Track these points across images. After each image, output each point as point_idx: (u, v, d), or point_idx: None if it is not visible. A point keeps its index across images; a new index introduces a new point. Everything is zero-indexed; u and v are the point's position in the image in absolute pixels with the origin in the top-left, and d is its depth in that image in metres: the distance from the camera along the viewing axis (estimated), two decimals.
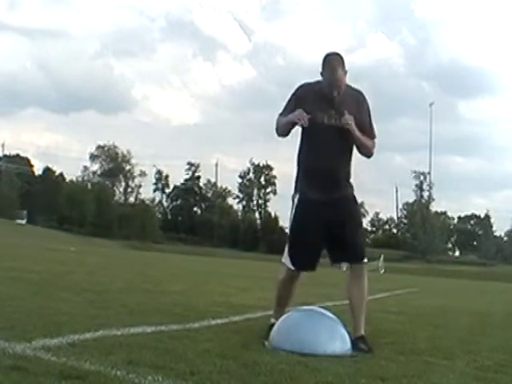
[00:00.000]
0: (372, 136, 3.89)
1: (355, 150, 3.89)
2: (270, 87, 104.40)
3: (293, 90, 3.87)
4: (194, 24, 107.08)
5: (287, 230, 4.01)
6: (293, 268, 3.84)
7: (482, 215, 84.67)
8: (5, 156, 71.41)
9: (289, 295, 3.98)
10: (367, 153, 3.90)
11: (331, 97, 3.70)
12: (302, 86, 3.85)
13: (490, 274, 48.26)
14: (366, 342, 3.66)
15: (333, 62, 3.70)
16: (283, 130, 3.88)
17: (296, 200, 3.86)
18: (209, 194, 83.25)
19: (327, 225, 3.74)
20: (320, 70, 3.73)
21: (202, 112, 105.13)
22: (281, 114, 3.88)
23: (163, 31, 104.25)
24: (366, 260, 3.87)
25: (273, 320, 3.87)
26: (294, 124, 3.80)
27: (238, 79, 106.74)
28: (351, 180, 3.92)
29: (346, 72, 3.74)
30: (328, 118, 3.73)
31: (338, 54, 3.77)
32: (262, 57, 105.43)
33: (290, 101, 3.85)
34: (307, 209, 3.79)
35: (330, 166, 3.75)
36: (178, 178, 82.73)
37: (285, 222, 68.45)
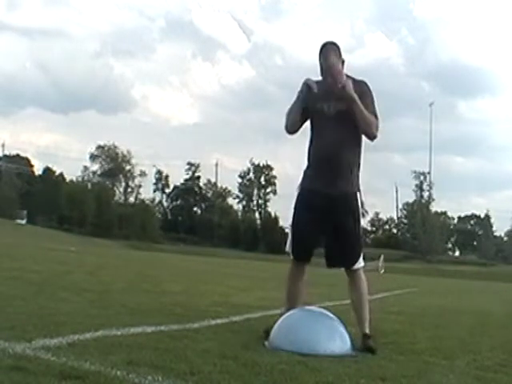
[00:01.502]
0: (375, 116, 3.82)
1: (363, 142, 3.87)
2: (270, 87, 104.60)
3: (300, 87, 3.88)
4: (193, 24, 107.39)
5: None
6: (291, 257, 3.89)
7: (482, 215, 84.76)
8: (5, 156, 71.41)
9: (296, 290, 3.94)
10: (368, 129, 3.77)
11: (331, 86, 3.70)
12: (307, 80, 3.85)
13: (490, 274, 48.24)
14: (370, 340, 3.70)
15: (326, 49, 3.73)
16: (293, 121, 3.86)
17: (298, 189, 3.90)
18: (209, 194, 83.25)
19: (323, 221, 3.75)
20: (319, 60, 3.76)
21: (202, 112, 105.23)
22: (292, 106, 3.89)
23: (163, 31, 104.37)
24: (359, 265, 3.82)
25: (282, 309, 3.92)
26: (303, 114, 3.82)
27: (237, 79, 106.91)
28: (358, 172, 3.87)
29: (342, 61, 3.75)
30: (329, 106, 3.74)
31: (332, 43, 3.79)
32: (261, 57, 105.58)
33: (299, 92, 3.86)
34: (307, 199, 3.83)
35: (333, 153, 3.73)
36: (178, 178, 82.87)
37: (285, 222, 68.50)
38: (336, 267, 3.89)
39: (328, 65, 3.69)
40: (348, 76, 3.78)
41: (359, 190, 3.86)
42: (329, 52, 3.72)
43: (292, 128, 3.90)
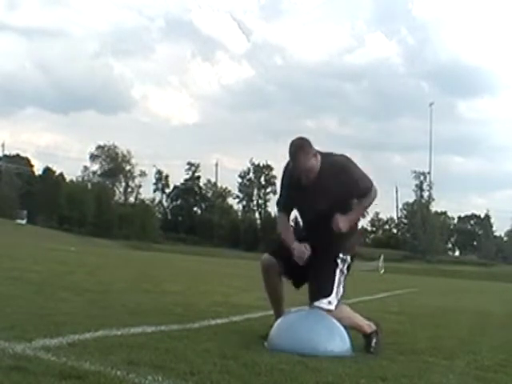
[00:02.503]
0: (369, 188, 3.72)
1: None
2: (269, 87, 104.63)
3: (281, 174, 3.88)
4: (192, 24, 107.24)
5: None
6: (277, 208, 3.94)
7: (482, 215, 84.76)
8: (5, 156, 71.40)
9: (275, 290, 3.90)
10: (367, 208, 3.87)
11: (304, 183, 3.64)
12: (285, 172, 3.83)
13: (489, 274, 48.29)
14: (370, 342, 3.75)
15: (292, 150, 3.59)
16: (283, 225, 3.89)
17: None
18: (209, 194, 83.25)
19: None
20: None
21: (202, 112, 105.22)
22: (278, 203, 3.94)
23: (162, 31, 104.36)
24: (323, 305, 3.61)
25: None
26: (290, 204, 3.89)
27: (236, 79, 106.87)
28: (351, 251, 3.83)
29: (314, 154, 3.59)
30: (310, 211, 3.76)
31: (299, 139, 3.64)
32: (260, 56, 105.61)
33: (282, 187, 3.88)
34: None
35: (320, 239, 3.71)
36: (178, 178, 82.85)
37: None
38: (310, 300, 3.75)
39: (299, 168, 3.60)
40: (324, 156, 3.64)
41: (346, 252, 3.78)
42: (296, 152, 3.57)
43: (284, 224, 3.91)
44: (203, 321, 4.37)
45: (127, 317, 4.21)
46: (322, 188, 3.61)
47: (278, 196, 3.99)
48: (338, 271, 3.71)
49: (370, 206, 3.81)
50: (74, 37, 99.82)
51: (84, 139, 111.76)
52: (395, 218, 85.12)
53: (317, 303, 3.62)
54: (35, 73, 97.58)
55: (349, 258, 3.78)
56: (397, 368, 3.20)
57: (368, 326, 3.82)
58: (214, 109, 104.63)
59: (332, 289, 3.66)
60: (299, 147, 3.59)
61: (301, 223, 3.96)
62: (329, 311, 3.59)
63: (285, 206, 3.90)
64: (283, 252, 3.74)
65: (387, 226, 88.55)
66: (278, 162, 77.74)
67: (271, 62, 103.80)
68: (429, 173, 76.54)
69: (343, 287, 3.74)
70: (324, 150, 3.73)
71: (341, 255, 3.74)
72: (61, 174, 71.17)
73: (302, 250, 3.63)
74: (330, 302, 3.62)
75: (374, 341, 3.76)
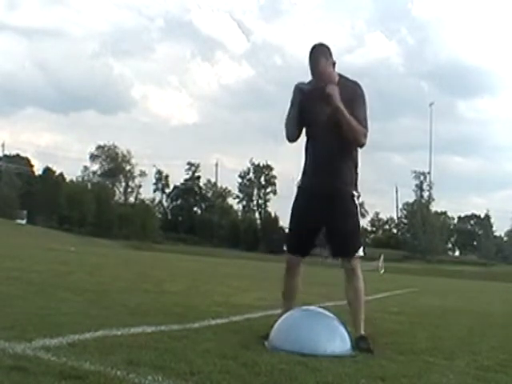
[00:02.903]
0: (363, 124, 3.73)
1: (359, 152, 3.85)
2: (269, 87, 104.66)
3: (292, 93, 3.84)
4: (192, 24, 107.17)
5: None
6: (285, 249, 3.91)
7: (482, 215, 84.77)
8: (5, 156, 71.41)
9: (291, 287, 3.94)
10: (355, 137, 3.71)
11: (322, 90, 3.64)
12: (296, 88, 3.82)
13: (489, 274, 48.27)
14: (366, 341, 3.67)
15: (315, 53, 3.65)
16: (292, 130, 3.85)
17: (296, 186, 3.94)
18: (209, 194, 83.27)
19: (321, 217, 3.76)
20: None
21: (201, 112, 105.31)
22: (288, 115, 3.87)
23: (162, 31, 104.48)
24: (358, 254, 3.80)
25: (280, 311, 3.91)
26: (300, 122, 3.80)
27: (236, 79, 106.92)
28: (356, 172, 3.86)
29: (333, 62, 3.68)
30: (321, 111, 3.71)
31: (322, 45, 3.71)
32: (260, 56, 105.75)
33: (292, 99, 3.83)
34: (302, 198, 3.85)
35: (327, 159, 3.74)
36: (178, 178, 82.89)
37: (285, 222, 68.42)
38: (338, 256, 3.88)
39: (319, 70, 3.64)
40: (341, 76, 3.74)
41: (356, 189, 3.85)
42: (318, 56, 3.65)
43: (292, 137, 3.90)
44: (203, 321, 4.37)
45: (127, 317, 4.21)
46: (340, 96, 3.61)
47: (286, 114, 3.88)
48: (359, 216, 3.83)
49: (356, 134, 3.69)
50: (74, 37, 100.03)
51: (84, 139, 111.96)
52: (395, 218, 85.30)
53: (355, 255, 3.75)
54: (35, 73, 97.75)
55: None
56: (396, 368, 3.19)
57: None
58: (214, 109, 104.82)
59: (359, 237, 3.84)
60: (322, 52, 3.63)
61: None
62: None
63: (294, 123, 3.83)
64: (303, 246, 3.85)
65: (387, 226, 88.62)
66: (278, 162, 77.95)
67: (271, 61, 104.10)
68: (429, 173, 76.69)
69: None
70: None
71: (355, 193, 3.80)
72: (61, 174, 71.23)
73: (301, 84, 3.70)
74: (363, 249, 3.80)
75: (372, 345, 3.68)
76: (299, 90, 3.78)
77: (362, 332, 3.74)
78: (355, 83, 3.81)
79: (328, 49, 3.70)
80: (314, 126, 3.79)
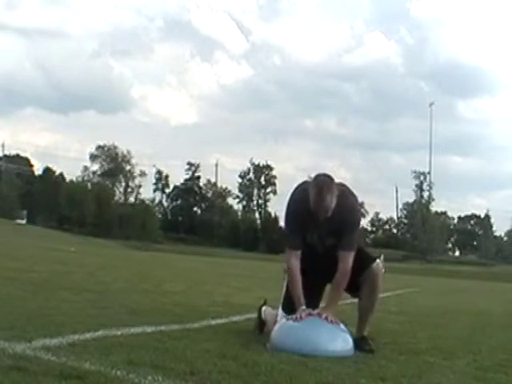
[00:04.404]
0: (349, 249, 3.69)
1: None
2: (268, 87, 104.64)
3: (290, 207, 3.76)
4: (191, 24, 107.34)
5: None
6: (287, 246, 3.85)
7: (482, 215, 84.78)
8: (5, 156, 71.39)
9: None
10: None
11: (316, 218, 3.59)
12: (295, 204, 3.73)
13: (490, 274, 48.24)
14: (367, 342, 3.68)
15: (322, 188, 3.51)
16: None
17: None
18: (209, 194, 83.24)
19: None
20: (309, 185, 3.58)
21: (201, 112, 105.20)
22: (288, 239, 3.82)
23: (161, 31, 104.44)
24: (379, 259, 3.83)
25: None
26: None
27: (235, 79, 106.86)
28: None
29: (336, 195, 3.55)
30: (312, 238, 3.71)
31: (329, 178, 3.59)
32: (259, 56, 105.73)
33: (291, 221, 3.78)
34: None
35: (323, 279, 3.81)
36: (177, 178, 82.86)
37: None
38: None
39: (323, 206, 3.51)
40: (340, 199, 3.60)
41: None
42: (325, 192, 3.50)
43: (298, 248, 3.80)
44: (203, 321, 4.37)
45: (127, 317, 4.21)
46: (333, 224, 3.59)
47: (285, 232, 3.85)
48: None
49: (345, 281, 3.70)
50: (73, 37, 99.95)
51: (84, 139, 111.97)
52: (395, 218, 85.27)
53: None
54: (35, 73, 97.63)
55: None
56: (396, 368, 3.19)
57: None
58: (214, 109, 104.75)
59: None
60: (328, 188, 3.51)
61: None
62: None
63: (295, 243, 3.75)
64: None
65: (387, 226, 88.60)
66: (278, 162, 77.94)
67: (270, 61, 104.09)
68: (429, 173, 76.59)
69: None
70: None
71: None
72: (61, 174, 71.21)
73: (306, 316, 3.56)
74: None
75: (373, 346, 3.69)
76: (297, 207, 3.71)
77: (364, 333, 3.76)
78: (350, 207, 3.72)
79: (332, 180, 3.58)
80: (308, 246, 3.77)
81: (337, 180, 3.69)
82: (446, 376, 3.10)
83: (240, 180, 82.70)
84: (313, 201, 3.52)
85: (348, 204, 3.69)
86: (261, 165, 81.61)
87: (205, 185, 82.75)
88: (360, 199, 3.91)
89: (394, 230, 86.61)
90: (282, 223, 67.31)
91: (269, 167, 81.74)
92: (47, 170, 70.74)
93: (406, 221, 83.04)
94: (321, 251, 3.76)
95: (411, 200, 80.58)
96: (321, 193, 3.50)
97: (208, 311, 5.12)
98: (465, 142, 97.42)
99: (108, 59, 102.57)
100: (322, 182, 3.55)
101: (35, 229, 52.72)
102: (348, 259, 3.66)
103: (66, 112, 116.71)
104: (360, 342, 3.63)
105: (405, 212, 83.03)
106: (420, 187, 78.11)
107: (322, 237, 3.72)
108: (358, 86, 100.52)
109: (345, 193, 3.69)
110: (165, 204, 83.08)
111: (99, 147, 76.94)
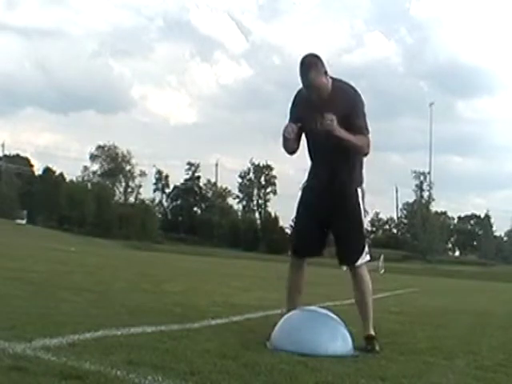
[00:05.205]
0: (364, 132, 3.71)
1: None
2: (268, 87, 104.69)
3: (291, 99, 3.82)
4: (191, 24, 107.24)
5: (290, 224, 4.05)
6: (291, 251, 3.92)
7: (482, 215, 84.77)
8: (5, 156, 71.37)
9: (295, 287, 3.94)
10: (358, 151, 3.74)
11: (314, 100, 3.62)
12: (296, 94, 3.81)
13: (490, 274, 48.23)
14: (370, 341, 3.70)
15: (304, 65, 3.55)
16: (286, 147, 3.82)
17: (301, 187, 3.93)
18: (209, 194, 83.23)
19: (326, 215, 3.76)
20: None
21: (201, 112, 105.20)
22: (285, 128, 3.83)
23: (161, 31, 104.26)
24: (362, 261, 3.79)
25: (283, 310, 3.94)
26: (293, 138, 3.74)
27: (235, 79, 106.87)
28: (361, 170, 3.85)
29: (325, 71, 3.58)
30: (314, 123, 3.66)
31: (312, 56, 3.61)
32: (259, 56, 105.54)
33: (290, 112, 3.82)
34: (307, 197, 3.86)
35: (330, 162, 3.74)
36: (177, 178, 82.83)
37: (285, 222, 68.52)
38: (343, 264, 3.90)
39: (309, 83, 3.56)
40: (335, 80, 3.66)
41: (361, 187, 3.83)
42: (307, 69, 3.54)
43: (288, 151, 3.84)
44: (203, 321, 4.37)
45: (127, 317, 4.21)
46: (331, 109, 3.55)
47: (290, 110, 3.85)
48: (363, 216, 3.79)
49: (359, 149, 3.71)
50: (73, 37, 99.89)
51: (84, 139, 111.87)
52: (395, 218, 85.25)
53: (358, 263, 3.74)
54: (34, 73, 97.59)
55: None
56: (397, 368, 3.19)
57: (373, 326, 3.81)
58: (213, 109, 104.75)
59: (364, 237, 3.81)
60: (311, 63, 3.55)
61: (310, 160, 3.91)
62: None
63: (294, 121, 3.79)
64: (307, 248, 3.84)
65: (387, 226, 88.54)
66: (278, 162, 77.89)
67: (270, 61, 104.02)
68: (429, 173, 76.56)
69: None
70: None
71: (358, 189, 3.79)
72: (61, 174, 71.13)
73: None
74: (366, 253, 3.78)
75: (378, 346, 3.70)
76: (297, 95, 3.77)
77: (371, 332, 3.77)
78: (350, 88, 3.74)
79: (318, 58, 3.61)
80: (312, 133, 3.76)
81: None
82: (446, 376, 3.10)
83: (240, 180, 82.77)
84: (301, 79, 3.58)
85: (345, 85, 3.70)
86: (261, 165, 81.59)
87: (205, 185, 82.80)
88: (365, 198, 3.90)
89: (394, 230, 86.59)
90: (282, 223, 67.40)
91: (269, 167, 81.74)
92: (47, 170, 70.69)
93: (405, 221, 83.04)
94: (320, 141, 3.71)
95: (411, 200, 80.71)
96: (302, 66, 3.55)
97: (208, 311, 5.12)
98: (465, 142, 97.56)
99: (108, 59, 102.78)
100: (304, 58, 3.58)
101: (35, 229, 52.71)
102: (363, 139, 3.65)
103: (66, 112, 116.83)
104: (365, 342, 3.69)
105: (405, 212, 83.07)
106: (420, 187, 78.16)
107: (316, 118, 3.63)
108: (357, 86, 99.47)
109: (341, 81, 3.70)
110: (165, 204, 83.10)
111: (99, 147, 76.97)
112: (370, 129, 3.76)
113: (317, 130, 3.66)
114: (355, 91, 3.74)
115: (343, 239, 3.80)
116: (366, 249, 3.82)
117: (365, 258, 3.81)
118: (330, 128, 3.52)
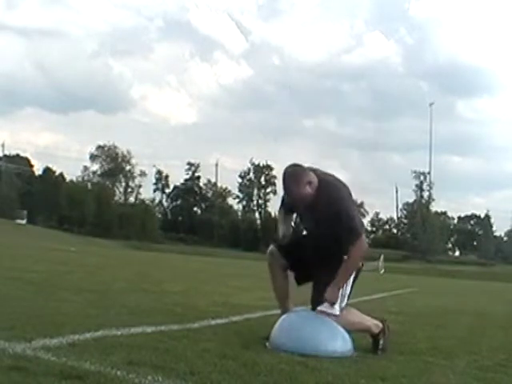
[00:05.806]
0: (356, 235, 3.55)
1: None
2: (268, 87, 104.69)
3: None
4: (190, 24, 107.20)
5: None
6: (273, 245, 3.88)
7: (482, 215, 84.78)
8: (5, 156, 71.38)
9: (280, 291, 3.96)
10: (357, 266, 3.68)
11: (299, 208, 3.66)
12: (283, 197, 3.85)
13: (490, 274, 48.25)
14: (375, 340, 3.74)
15: (286, 180, 3.52)
16: (285, 227, 3.85)
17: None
18: (209, 194, 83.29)
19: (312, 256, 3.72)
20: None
21: (200, 112, 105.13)
22: (280, 207, 3.92)
23: (160, 31, 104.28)
24: (328, 308, 3.54)
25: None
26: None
27: (235, 79, 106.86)
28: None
29: (308, 181, 3.48)
30: (307, 220, 3.79)
31: (293, 168, 3.54)
32: (259, 56, 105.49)
33: (282, 200, 3.88)
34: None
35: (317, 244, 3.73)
36: (177, 178, 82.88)
37: None
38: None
39: (293, 198, 3.61)
40: (321, 180, 3.54)
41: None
42: (289, 186, 3.53)
43: (287, 234, 3.80)
44: (203, 321, 4.37)
45: (127, 317, 4.21)
46: (317, 215, 3.58)
47: (281, 198, 3.90)
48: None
49: (357, 265, 3.63)
50: (73, 37, 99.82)
51: (84, 139, 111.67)
52: (395, 218, 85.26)
53: (319, 308, 3.53)
54: (34, 73, 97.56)
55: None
56: (397, 368, 3.20)
57: (375, 325, 3.79)
58: (213, 109, 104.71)
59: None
60: (291, 177, 3.50)
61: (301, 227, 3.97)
62: (333, 315, 3.50)
63: (286, 208, 3.87)
64: (289, 246, 3.76)
65: (387, 226, 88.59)
66: (278, 162, 77.93)
67: (269, 61, 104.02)
68: (429, 173, 76.57)
69: (351, 288, 3.66)
70: (324, 171, 3.72)
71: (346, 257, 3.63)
72: (61, 174, 71.21)
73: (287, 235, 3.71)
74: (333, 305, 3.53)
75: (382, 342, 3.71)
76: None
77: (376, 331, 3.76)
78: (335, 189, 3.60)
79: (300, 168, 3.54)
80: (302, 220, 3.86)
81: (327, 171, 3.74)
82: (446, 376, 3.10)
83: (240, 180, 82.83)
84: (284, 192, 3.65)
85: (330, 186, 3.58)
86: (261, 165, 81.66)
87: (205, 185, 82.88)
88: (360, 199, 3.95)
89: (394, 230, 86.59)
90: None
91: (269, 167, 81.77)
92: (47, 170, 70.73)
93: (405, 221, 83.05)
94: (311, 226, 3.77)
95: (411, 200, 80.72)
96: (284, 180, 3.55)
97: (208, 311, 5.12)
98: (465, 142, 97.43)
99: (108, 59, 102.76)
100: (285, 171, 3.56)
101: (35, 229, 52.73)
102: (356, 248, 3.55)
103: (66, 112, 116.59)
104: (372, 341, 3.73)
105: (405, 212, 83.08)
106: (420, 187, 78.16)
107: (316, 224, 3.68)
108: (357, 86, 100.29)
109: (328, 182, 3.59)
110: (165, 204, 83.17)
111: (99, 147, 77.03)
112: (361, 223, 3.69)
113: (306, 218, 3.77)
114: (339, 191, 3.61)
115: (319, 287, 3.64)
116: (337, 306, 3.55)
117: (326, 307, 3.54)
118: (326, 311, 3.51)
